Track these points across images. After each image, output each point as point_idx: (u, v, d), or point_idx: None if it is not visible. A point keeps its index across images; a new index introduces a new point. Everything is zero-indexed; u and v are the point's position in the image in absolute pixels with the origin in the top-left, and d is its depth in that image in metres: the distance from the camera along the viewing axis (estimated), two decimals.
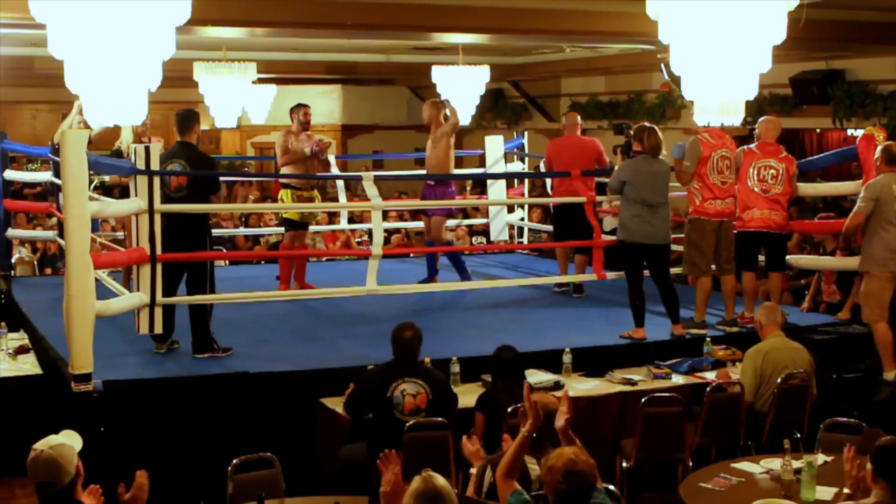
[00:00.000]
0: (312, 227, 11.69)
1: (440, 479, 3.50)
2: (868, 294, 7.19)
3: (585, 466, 3.70)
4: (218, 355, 6.77)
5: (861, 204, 7.10)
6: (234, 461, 4.92)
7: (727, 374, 6.59)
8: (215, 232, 12.03)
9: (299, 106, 8.95)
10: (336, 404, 5.99)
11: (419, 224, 10.34)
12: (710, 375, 6.69)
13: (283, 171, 9.00)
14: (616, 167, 7.76)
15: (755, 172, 7.75)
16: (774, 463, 5.14)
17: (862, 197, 7.14)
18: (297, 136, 8.83)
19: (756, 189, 7.74)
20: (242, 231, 12.22)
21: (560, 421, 4.29)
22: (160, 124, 18.30)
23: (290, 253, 9.09)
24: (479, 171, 11.79)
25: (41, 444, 3.86)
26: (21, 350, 7.29)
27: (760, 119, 8.17)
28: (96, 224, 9.01)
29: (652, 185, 7.40)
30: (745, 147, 7.93)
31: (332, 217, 11.80)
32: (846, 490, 4.41)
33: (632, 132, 7.65)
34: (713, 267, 7.75)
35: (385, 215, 11.23)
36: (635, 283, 7.46)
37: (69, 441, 3.91)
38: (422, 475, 3.51)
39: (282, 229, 9.52)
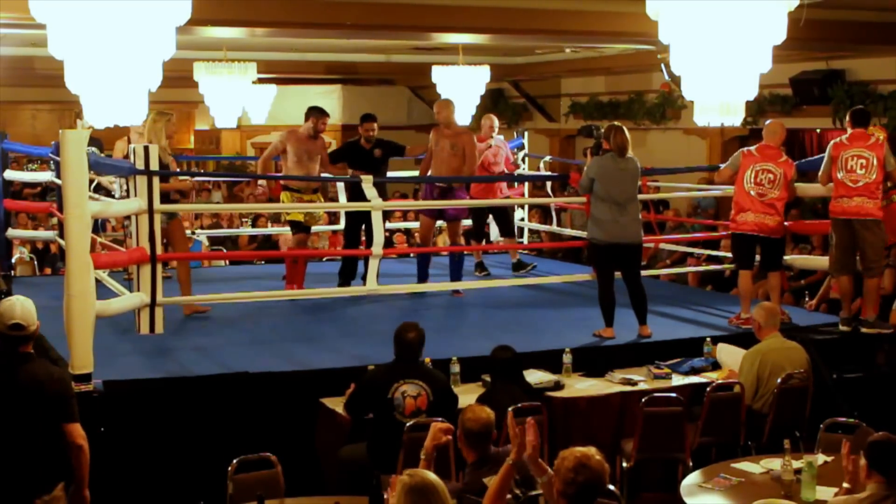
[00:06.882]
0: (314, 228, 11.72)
1: (429, 474, 3.53)
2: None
3: (598, 465, 3.73)
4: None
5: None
6: (234, 461, 4.92)
7: (736, 375, 6.53)
8: (216, 232, 12.08)
9: (323, 114, 8.70)
10: (336, 404, 5.98)
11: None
12: (713, 375, 6.69)
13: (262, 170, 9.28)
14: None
15: (752, 176, 7.73)
16: (774, 463, 5.14)
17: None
18: (302, 141, 8.53)
19: (752, 192, 7.72)
20: (245, 231, 12.22)
21: (528, 450, 4.15)
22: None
23: (289, 253, 9.07)
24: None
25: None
26: None
27: (767, 122, 8.17)
28: (98, 224, 9.01)
29: (619, 182, 7.43)
30: (745, 149, 7.93)
31: (333, 218, 11.79)
32: (845, 485, 4.43)
33: (601, 132, 7.73)
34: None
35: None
36: (604, 283, 7.48)
37: None
38: (406, 471, 3.55)
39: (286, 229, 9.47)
